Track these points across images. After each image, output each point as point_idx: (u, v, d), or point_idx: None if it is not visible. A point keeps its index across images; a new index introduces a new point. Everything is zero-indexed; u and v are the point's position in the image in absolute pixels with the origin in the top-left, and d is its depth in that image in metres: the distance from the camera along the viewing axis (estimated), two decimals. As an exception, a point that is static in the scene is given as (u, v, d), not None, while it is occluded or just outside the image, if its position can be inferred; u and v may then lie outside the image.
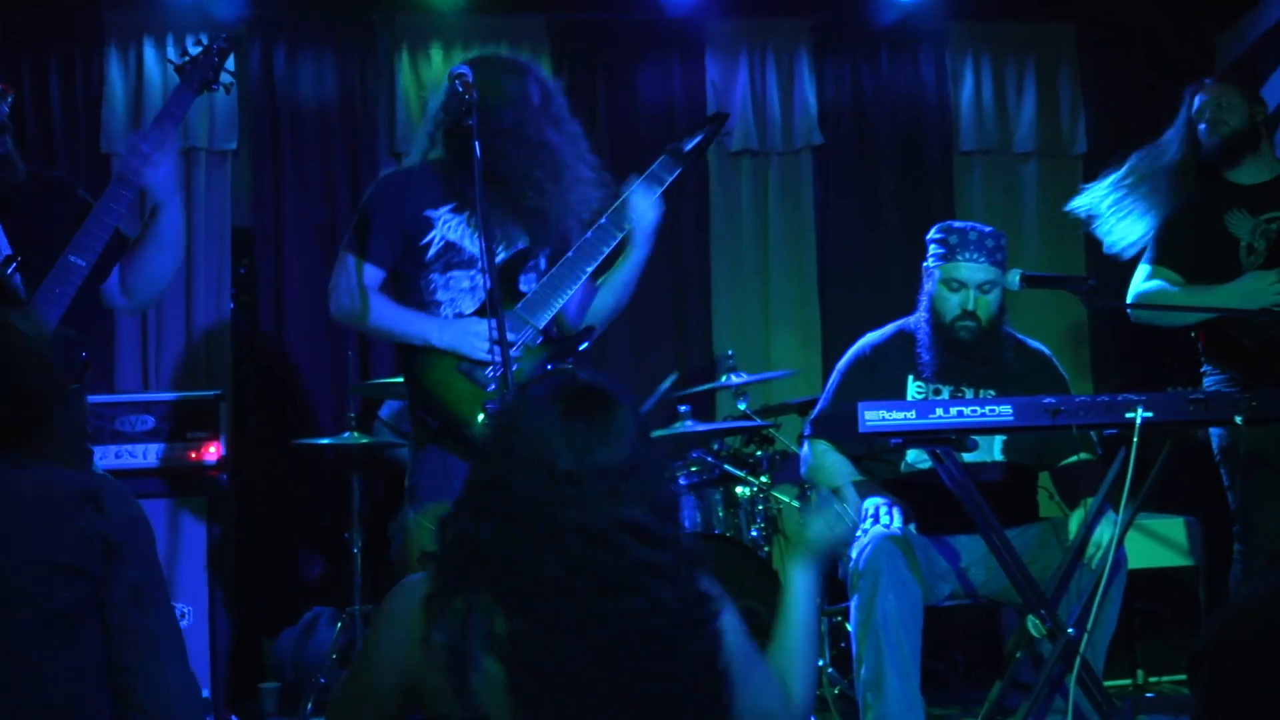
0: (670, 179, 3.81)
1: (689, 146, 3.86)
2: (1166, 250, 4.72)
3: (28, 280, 3.41)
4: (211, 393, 5.10)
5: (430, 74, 6.12)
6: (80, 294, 3.40)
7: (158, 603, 2.16)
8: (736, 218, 6.50)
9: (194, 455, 4.91)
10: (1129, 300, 4.73)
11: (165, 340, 5.96)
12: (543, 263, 3.74)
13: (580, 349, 3.70)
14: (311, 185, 6.11)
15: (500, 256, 3.66)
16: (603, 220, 3.73)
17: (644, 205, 3.74)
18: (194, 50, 3.65)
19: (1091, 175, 6.67)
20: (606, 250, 3.72)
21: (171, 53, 5.96)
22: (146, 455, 4.88)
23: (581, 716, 1.98)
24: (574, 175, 3.75)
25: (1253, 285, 4.43)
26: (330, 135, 6.17)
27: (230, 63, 3.67)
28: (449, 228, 3.68)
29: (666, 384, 5.51)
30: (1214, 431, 4.51)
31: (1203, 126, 4.63)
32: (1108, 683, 3.95)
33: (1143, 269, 4.77)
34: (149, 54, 6.01)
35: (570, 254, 3.67)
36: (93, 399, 4.79)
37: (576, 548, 1.99)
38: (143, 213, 3.56)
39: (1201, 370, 4.66)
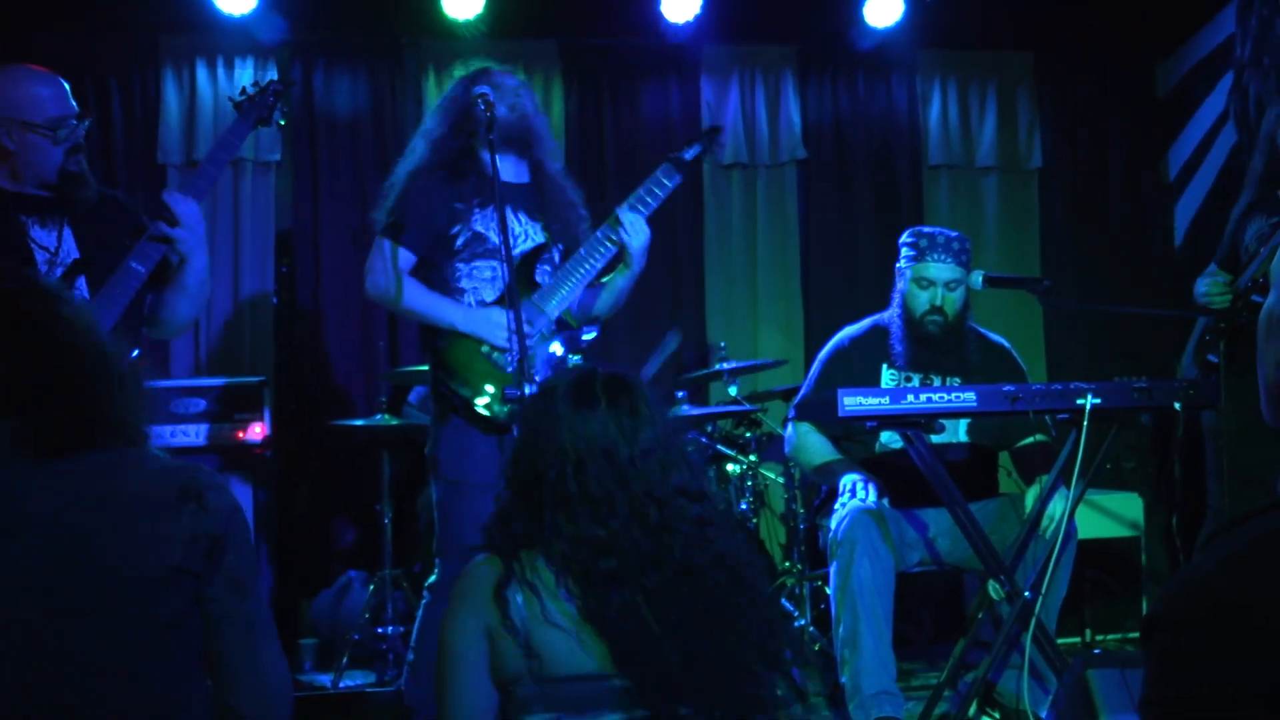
0: (665, 193, 3.77)
1: (690, 155, 3.85)
2: (1221, 253, 4.69)
3: (91, 282, 3.42)
4: (256, 379, 5.11)
5: (454, 93, 6.12)
6: (137, 296, 3.41)
7: (254, 589, 1.98)
8: (728, 224, 6.51)
9: (240, 435, 4.92)
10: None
11: (215, 331, 5.97)
12: (556, 256, 3.76)
13: (589, 335, 3.73)
14: (345, 193, 6.10)
15: (522, 249, 3.67)
16: (597, 233, 3.74)
17: (634, 225, 3.74)
18: (251, 88, 3.66)
19: (1045, 188, 6.74)
20: (603, 260, 3.73)
21: (221, 74, 5.98)
22: (198, 435, 4.90)
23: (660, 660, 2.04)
24: (569, 186, 3.80)
25: (1208, 289, 4.40)
26: (363, 147, 6.16)
27: (283, 101, 3.67)
28: (476, 219, 3.67)
29: (671, 345, 5.45)
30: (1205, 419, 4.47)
31: (1262, 143, 4.50)
32: (1059, 640, 3.95)
33: (1209, 266, 4.73)
34: (201, 74, 6.00)
35: (580, 251, 3.69)
36: (149, 384, 4.80)
37: (651, 516, 2.08)
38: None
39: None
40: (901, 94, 6.63)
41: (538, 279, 3.68)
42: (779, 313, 6.49)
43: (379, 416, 5.06)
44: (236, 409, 4.96)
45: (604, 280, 3.87)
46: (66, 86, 3.45)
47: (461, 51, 6.19)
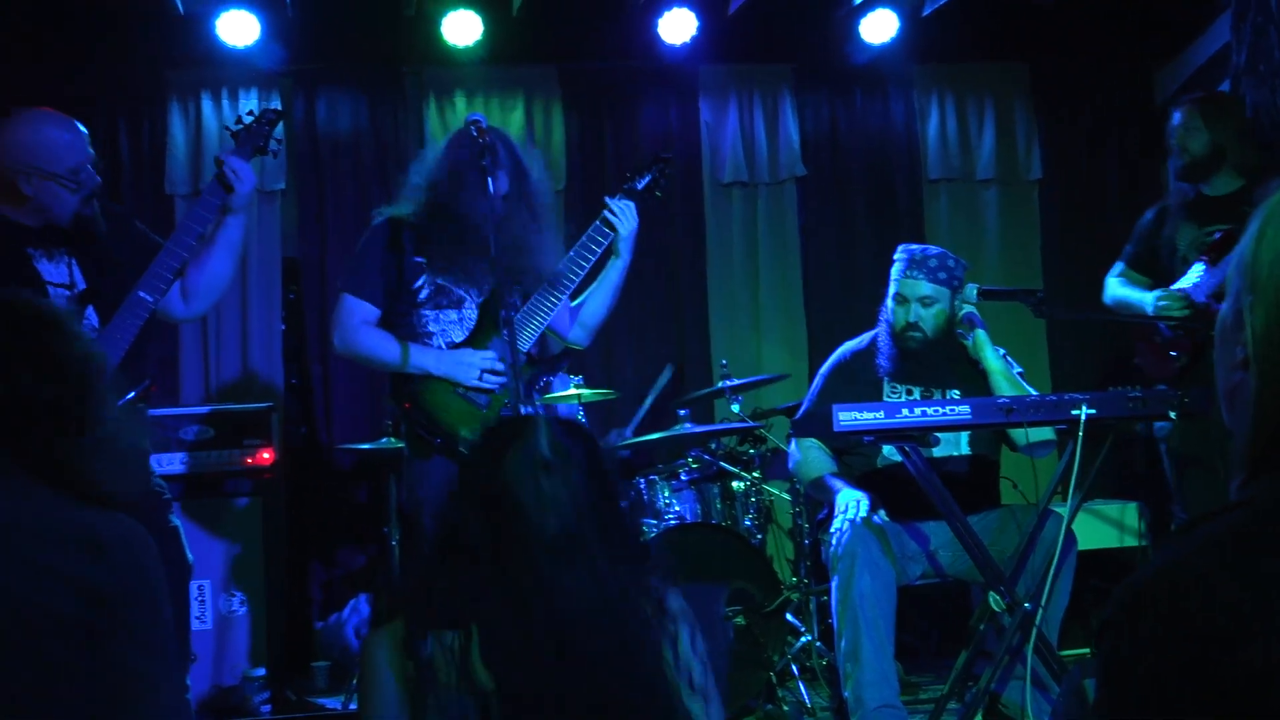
0: (620, 219, 3.87)
1: (640, 185, 3.94)
2: (1133, 252, 4.75)
3: (100, 311, 3.46)
4: (264, 404, 5.13)
5: (454, 119, 6.14)
6: (146, 325, 3.44)
7: (158, 648, 1.80)
8: (729, 242, 6.50)
9: (249, 460, 4.95)
10: (1106, 290, 4.77)
11: (224, 359, 5.98)
12: (517, 297, 3.77)
13: (560, 366, 3.79)
14: (350, 219, 6.10)
15: (480, 298, 3.72)
16: (582, 239, 3.80)
17: (623, 211, 3.80)
18: (247, 117, 3.71)
19: (1046, 199, 6.73)
20: (587, 265, 3.78)
21: (226, 106, 6.01)
22: (208, 461, 4.92)
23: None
24: (536, 235, 3.79)
25: (1163, 300, 4.43)
26: (367, 174, 6.17)
27: (279, 130, 3.74)
28: (439, 275, 3.74)
29: (665, 377, 5.55)
30: (1158, 429, 4.51)
31: (1174, 147, 4.63)
32: (1065, 651, 3.94)
33: (1116, 265, 4.79)
34: (206, 106, 6.03)
35: (545, 286, 3.74)
36: (160, 411, 4.84)
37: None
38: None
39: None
40: (899, 109, 6.62)
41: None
42: (782, 329, 6.48)
43: (385, 440, 5.06)
44: (245, 435, 4.98)
45: (590, 289, 3.96)
46: (85, 131, 3.49)
47: (462, 78, 6.25)
